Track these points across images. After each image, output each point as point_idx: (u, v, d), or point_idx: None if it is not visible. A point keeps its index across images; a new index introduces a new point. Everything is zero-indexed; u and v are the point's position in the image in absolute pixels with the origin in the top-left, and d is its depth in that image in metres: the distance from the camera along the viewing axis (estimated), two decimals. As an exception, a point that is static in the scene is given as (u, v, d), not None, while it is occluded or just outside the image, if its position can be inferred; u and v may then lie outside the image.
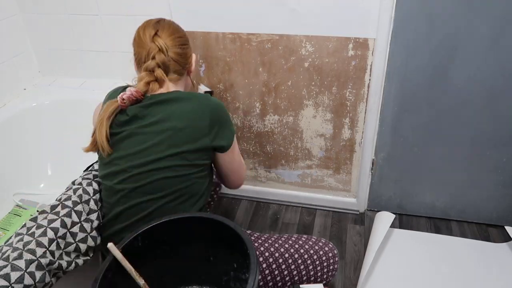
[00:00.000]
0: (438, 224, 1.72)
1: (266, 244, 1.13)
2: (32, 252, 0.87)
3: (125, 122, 1.01)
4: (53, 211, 0.98)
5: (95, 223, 1.04)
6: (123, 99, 0.99)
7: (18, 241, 0.90)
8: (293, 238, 1.16)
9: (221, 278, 0.92)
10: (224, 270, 0.91)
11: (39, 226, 0.93)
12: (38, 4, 1.65)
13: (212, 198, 1.47)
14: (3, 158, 1.59)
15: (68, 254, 0.96)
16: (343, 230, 1.72)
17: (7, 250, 0.87)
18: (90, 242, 1.01)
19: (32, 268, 0.85)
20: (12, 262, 0.84)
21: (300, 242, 1.14)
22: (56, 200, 1.02)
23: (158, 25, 1.06)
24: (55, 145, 1.73)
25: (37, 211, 1.05)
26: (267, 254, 1.10)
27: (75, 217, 0.99)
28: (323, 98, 1.54)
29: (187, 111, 1.00)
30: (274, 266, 1.09)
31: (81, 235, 0.99)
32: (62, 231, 0.95)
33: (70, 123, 1.71)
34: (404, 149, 1.61)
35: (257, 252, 1.10)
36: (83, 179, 1.11)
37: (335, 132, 1.61)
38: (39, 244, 0.89)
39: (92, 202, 1.06)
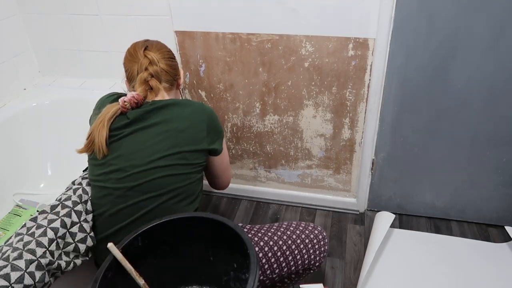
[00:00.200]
0: (438, 224, 1.72)
1: (260, 234, 1.16)
2: (32, 252, 0.87)
3: (125, 124, 1.04)
4: (53, 211, 0.98)
5: (92, 224, 1.04)
6: (125, 102, 1.02)
7: (18, 241, 0.90)
8: (283, 227, 1.20)
9: (221, 278, 0.92)
10: (224, 270, 0.91)
11: (39, 226, 0.93)
12: (38, 4, 1.65)
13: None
14: (3, 158, 1.59)
15: (67, 254, 0.96)
16: (343, 230, 1.72)
17: (7, 250, 0.87)
18: (89, 243, 1.01)
19: (32, 268, 0.85)
20: (12, 262, 0.84)
21: (291, 228, 1.19)
22: (56, 200, 1.02)
23: (147, 43, 1.16)
24: (55, 145, 1.72)
25: (37, 211, 1.05)
26: (262, 243, 1.13)
27: (74, 217, 0.99)
28: (323, 98, 1.54)
29: (186, 114, 1.06)
30: (270, 254, 1.12)
31: (80, 235, 0.99)
32: (62, 231, 0.95)
33: (70, 123, 1.71)
34: (404, 149, 1.61)
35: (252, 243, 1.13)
36: (83, 179, 1.11)
37: (335, 132, 1.61)
38: (39, 244, 0.89)
39: (89, 203, 1.06)
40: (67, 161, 1.68)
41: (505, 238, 1.63)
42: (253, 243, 1.13)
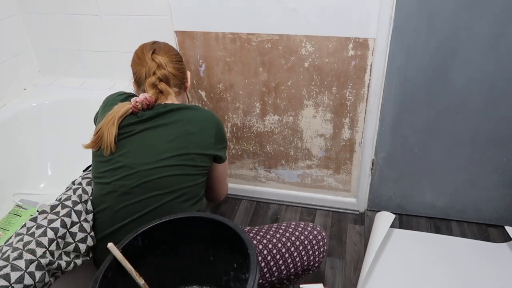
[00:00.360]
0: (438, 224, 1.72)
1: (258, 237, 1.15)
2: (32, 252, 0.87)
3: (135, 122, 1.04)
4: (53, 211, 0.98)
5: (92, 223, 1.04)
6: (137, 102, 1.03)
7: (18, 241, 0.90)
8: (282, 227, 1.19)
9: (221, 278, 0.92)
10: (224, 270, 0.91)
11: (39, 226, 0.93)
12: (38, 4, 1.65)
13: None
14: (3, 158, 1.59)
15: (67, 254, 0.96)
16: (343, 230, 1.72)
17: (7, 250, 0.87)
18: (90, 242, 1.01)
19: (32, 268, 0.85)
20: (12, 262, 0.84)
21: (290, 230, 1.18)
22: (56, 200, 1.02)
23: (155, 46, 1.15)
24: (55, 145, 1.73)
25: (37, 211, 1.05)
26: (260, 246, 1.13)
27: (74, 217, 0.99)
28: (323, 98, 1.54)
29: (197, 118, 1.08)
30: (269, 257, 1.12)
31: (80, 235, 0.99)
32: (62, 231, 0.95)
33: (70, 123, 1.71)
34: (404, 149, 1.61)
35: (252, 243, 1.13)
36: (83, 179, 1.11)
37: (335, 132, 1.61)
38: (39, 244, 0.89)
39: (89, 203, 1.06)
40: (67, 161, 1.69)
41: (505, 238, 1.63)
42: None
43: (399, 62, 1.42)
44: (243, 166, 1.83)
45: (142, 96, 1.04)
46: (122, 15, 1.57)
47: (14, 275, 0.82)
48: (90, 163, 1.20)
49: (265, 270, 1.12)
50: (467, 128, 1.50)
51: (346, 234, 1.70)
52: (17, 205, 1.52)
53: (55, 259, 0.92)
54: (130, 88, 1.47)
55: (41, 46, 1.77)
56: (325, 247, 1.20)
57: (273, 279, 1.14)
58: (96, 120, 1.20)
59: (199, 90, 1.66)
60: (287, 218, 1.79)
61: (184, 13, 1.49)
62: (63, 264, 0.93)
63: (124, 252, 0.81)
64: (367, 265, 1.46)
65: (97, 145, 1.04)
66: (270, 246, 1.13)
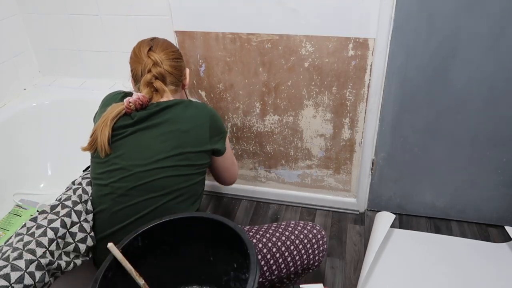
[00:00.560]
0: (438, 224, 1.72)
1: (258, 236, 1.15)
2: (32, 252, 0.87)
3: (129, 124, 1.04)
4: (53, 211, 0.98)
5: (92, 224, 1.04)
6: (130, 103, 1.03)
7: (18, 241, 0.90)
8: (282, 226, 1.19)
9: (221, 278, 0.92)
10: (224, 270, 0.91)
11: (39, 226, 0.93)
12: (38, 4, 1.65)
13: None
14: (3, 158, 1.59)
15: (67, 254, 0.96)
16: (343, 230, 1.72)
17: (7, 250, 0.87)
18: (89, 242, 1.01)
19: (32, 268, 0.85)
20: (12, 262, 0.84)
21: (290, 229, 1.18)
22: (56, 200, 1.02)
23: (152, 42, 1.14)
24: (55, 145, 1.73)
25: (37, 211, 1.05)
26: (260, 245, 1.12)
27: (74, 217, 0.99)
28: (323, 98, 1.54)
29: (189, 115, 1.06)
30: (268, 256, 1.12)
31: (80, 235, 0.99)
32: (62, 231, 0.95)
33: (70, 123, 1.71)
34: (404, 149, 1.61)
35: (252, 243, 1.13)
36: (83, 179, 1.11)
37: (335, 132, 1.61)
38: (39, 244, 0.89)
39: (89, 203, 1.06)
40: (67, 161, 1.69)
41: (505, 238, 1.63)
42: None
43: (399, 62, 1.42)
44: (243, 166, 1.83)
45: (135, 96, 1.04)
46: (122, 15, 1.57)
47: (14, 275, 0.82)
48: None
49: (265, 268, 1.12)
50: (467, 128, 1.50)
51: (346, 234, 1.70)
52: (17, 205, 1.52)
53: (55, 259, 0.92)
54: (129, 86, 1.47)
55: (41, 46, 1.77)
56: (325, 246, 1.20)
57: (273, 277, 1.14)
58: (94, 120, 1.20)
59: (199, 90, 1.66)
60: (287, 218, 1.79)
61: (184, 13, 1.49)
62: (63, 264, 0.93)
63: (124, 252, 0.81)
64: (367, 265, 1.46)
65: (93, 148, 1.04)
66: (269, 244, 1.13)
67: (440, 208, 1.71)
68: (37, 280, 0.85)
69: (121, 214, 1.01)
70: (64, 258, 0.95)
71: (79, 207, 1.01)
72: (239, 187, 1.88)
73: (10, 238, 0.93)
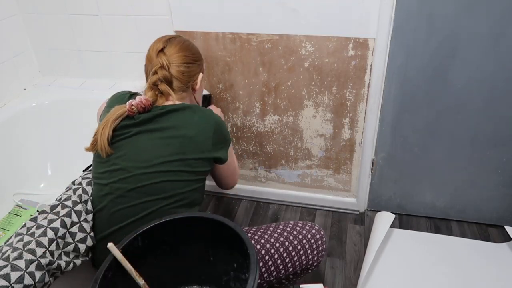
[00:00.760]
0: (438, 224, 1.72)
1: (256, 237, 1.15)
2: (32, 252, 0.87)
3: (132, 124, 1.03)
4: (53, 211, 0.98)
5: (92, 224, 1.04)
6: (132, 105, 1.02)
7: (18, 241, 0.90)
8: (280, 227, 1.18)
9: (221, 278, 0.92)
10: (224, 270, 0.91)
11: (39, 226, 0.93)
12: (38, 4, 1.65)
13: None
14: (3, 158, 1.59)
15: (67, 254, 0.96)
16: (343, 230, 1.72)
17: (7, 250, 0.87)
18: (89, 242, 1.01)
19: (32, 268, 0.85)
20: (12, 262, 0.84)
21: (288, 229, 1.17)
22: (56, 200, 1.02)
23: (168, 42, 1.11)
24: (55, 145, 1.73)
25: (37, 211, 1.05)
26: (258, 246, 1.12)
27: (74, 217, 0.99)
28: (323, 98, 1.54)
29: (194, 121, 1.04)
30: (267, 257, 1.11)
31: (80, 235, 0.99)
32: (62, 231, 0.95)
33: (70, 123, 1.71)
34: (404, 149, 1.61)
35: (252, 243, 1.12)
36: (83, 179, 1.11)
37: (335, 132, 1.61)
38: (39, 244, 0.89)
39: (89, 203, 1.06)
40: (67, 161, 1.69)
41: (505, 238, 1.63)
42: None
43: (399, 62, 1.42)
44: (243, 166, 1.83)
45: (138, 99, 1.02)
46: (122, 15, 1.57)
47: (14, 275, 0.82)
48: (90, 163, 1.20)
49: (263, 270, 1.11)
50: (467, 128, 1.50)
51: (346, 234, 1.70)
52: (17, 205, 1.52)
53: (55, 259, 0.92)
54: (129, 87, 1.47)
55: (41, 46, 1.77)
56: (324, 246, 1.19)
57: (272, 278, 1.13)
58: (100, 118, 1.19)
59: (199, 90, 1.66)
60: (287, 218, 1.79)
61: (184, 13, 1.49)
62: (63, 264, 0.93)
63: (124, 252, 0.81)
64: (367, 265, 1.46)
65: (94, 148, 1.04)
66: (268, 246, 1.12)
67: (440, 208, 1.71)
68: (37, 280, 0.85)
69: (119, 214, 1.01)
70: (64, 258, 0.95)
71: (79, 207, 1.01)
72: (239, 187, 1.88)
73: (10, 238, 0.93)
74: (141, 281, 0.82)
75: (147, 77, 1.11)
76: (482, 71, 1.37)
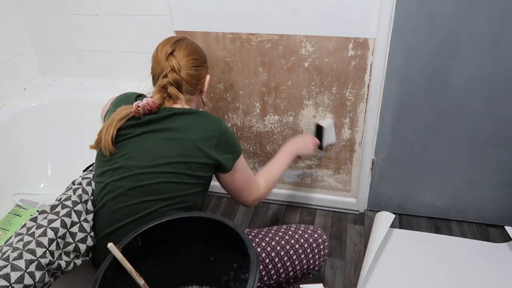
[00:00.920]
0: (438, 224, 1.72)
1: (257, 240, 1.14)
2: (32, 252, 0.87)
3: (137, 124, 1.03)
4: (53, 211, 0.98)
5: (92, 224, 1.04)
6: (138, 107, 1.02)
7: (18, 241, 0.90)
8: (282, 230, 1.17)
9: (221, 278, 0.92)
10: (224, 270, 0.91)
11: (39, 226, 0.93)
12: (38, 4, 1.65)
13: None
14: (3, 158, 1.59)
15: (67, 254, 0.96)
16: (343, 230, 1.72)
17: (7, 250, 0.87)
18: (89, 242, 1.01)
19: (32, 268, 0.85)
20: (12, 262, 0.84)
21: (290, 232, 1.16)
22: (56, 200, 1.02)
23: (176, 45, 1.11)
24: (55, 145, 1.73)
25: (37, 211, 1.05)
26: (259, 249, 1.11)
27: (74, 217, 0.99)
28: (323, 98, 1.54)
29: (200, 126, 1.04)
30: (267, 260, 1.10)
31: (80, 235, 0.99)
32: (62, 231, 0.95)
33: (70, 123, 1.71)
34: (404, 149, 1.61)
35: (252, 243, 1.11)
36: (83, 179, 1.11)
37: (335, 132, 1.61)
38: (39, 244, 0.89)
39: (90, 203, 1.06)
40: (67, 161, 1.69)
41: (505, 238, 1.63)
42: None
43: (399, 62, 1.42)
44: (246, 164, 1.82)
45: (145, 100, 1.03)
46: (122, 15, 1.57)
47: (14, 275, 0.82)
48: (90, 163, 1.20)
49: (263, 273, 1.10)
50: (467, 128, 1.50)
51: (346, 234, 1.70)
52: (17, 205, 1.52)
53: (55, 259, 0.92)
54: (129, 87, 1.47)
55: (41, 46, 1.77)
56: (326, 251, 1.18)
57: (272, 282, 1.13)
58: (105, 117, 1.18)
59: (199, 90, 1.66)
60: (287, 218, 1.79)
61: (184, 13, 1.49)
62: (63, 264, 0.93)
63: (124, 252, 0.81)
64: (367, 265, 1.46)
65: (98, 146, 1.05)
66: (269, 249, 1.11)
67: (440, 208, 1.71)
68: (37, 280, 0.85)
69: (119, 213, 1.01)
70: (64, 258, 0.95)
71: (79, 207, 1.01)
72: (239, 187, 1.88)
73: (10, 238, 0.93)
74: (141, 281, 0.82)
75: (154, 79, 1.11)
76: (482, 71, 1.37)
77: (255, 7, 1.41)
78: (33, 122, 1.69)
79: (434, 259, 1.54)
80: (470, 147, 1.53)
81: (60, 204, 1.00)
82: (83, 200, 1.04)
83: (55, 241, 0.92)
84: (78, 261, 0.99)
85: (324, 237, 1.19)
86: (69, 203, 1.00)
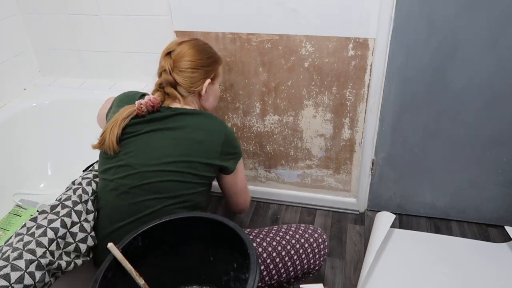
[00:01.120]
0: (438, 224, 1.72)
1: (258, 240, 1.14)
2: (32, 252, 0.87)
3: (142, 122, 1.04)
4: (53, 211, 0.98)
5: (93, 223, 1.04)
6: (141, 104, 1.03)
7: (18, 241, 0.90)
8: (283, 230, 1.18)
9: (221, 278, 0.92)
10: (224, 270, 0.91)
11: (39, 226, 0.93)
12: (38, 4, 1.65)
13: None
14: (3, 158, 1.59)
15: (67, 254, 0.96)
16: (343, 230, 1.72)
17: (7, 250, 0.87)
18: (90, 242, 1.01)
19: (32, 268, 0.85)
20: (12, 262, 0.84)
21: (291, 232, 1.17)
22: (56, 200, 1.02)
23: (179, 45, 1.11)
24: (55, 145, 1.73)
25: (37, 211, 1.05)
26: (260, 249, 1.12)
27: (75, 217, 0.99)
28: (323, 98, 1.54)
29: (206, 127, 1.05)
30: (268, 261, 1.11)
31: (81, 235, 0.99)
32: (62, 231, 0.95)
33: (70, 123, 1.71)
34: (404, 149, 1.61)
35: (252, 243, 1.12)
36: (83, 179, 1.11)
37: (335, 132, 1.61)
38: (39, 244, 0.89)
39: (90, 203, 1.06)
40: (67, 161, 1.69)
41: (505, 238, 1.63)
42: None
43: (399, 62, 1.42)
44: (243, 166, 1.83)
45: (147, 97, 1.05)
46: (122, 15, 1.57)
47: (14, 275, 0.82)
48: (90, 163, 1.20)
49: (265, 273, 1.10)
50: (467, 128, 1.50)
51: (346, 234, 1.70)
52: (17, 205, 1.52)
53: (55, 259, 0.92)
54: (132, 85, 1.47)
55: (41, 46, 1.77)
56: (326, 250, 1.18)
57: (273, 282, 1.13)
58: (107, 117, 1.19)
59: (199, 90, 1.66)
60: (287, 218, 1.79)
61: (184, 13, 1.49)
62: (63, 264, 0.93)
63: (124, 252, 0.81)
64: (367, 265, 1.46)
65: (102, 147, 1.05)
66: (270, 249, 1.12)
67: (440, 208, 1.71)
68: (37, 280, 0.85)
69: (122, 211, 1.01)
70: (65, 258, 0.95)
71: (79, 207, 1.01)
72: (239, 187, 1.88)
73: (10, 238, 0.93)
74: (141, 281, 0.82)
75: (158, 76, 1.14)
76: (482, 71, 1.37)
77: (255, 7, 1.41)
78: (33, 122, 1.69)
79: (434, 259, 1.54)
80: (470, 147, 1.53)
81: (60, 204, 1.00)
82: (83, 200, 1.04)
83: (55, 241, 0.93)
84: (79, 261, 0.99)
85: (324, 236, 1.19)
86: (69, 203, 1.00)
